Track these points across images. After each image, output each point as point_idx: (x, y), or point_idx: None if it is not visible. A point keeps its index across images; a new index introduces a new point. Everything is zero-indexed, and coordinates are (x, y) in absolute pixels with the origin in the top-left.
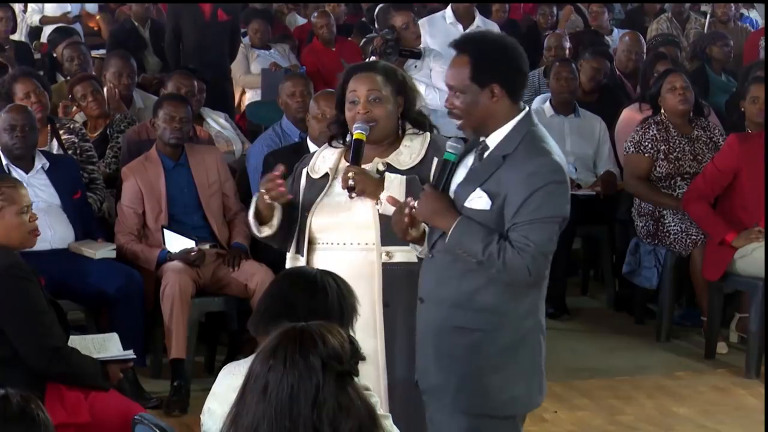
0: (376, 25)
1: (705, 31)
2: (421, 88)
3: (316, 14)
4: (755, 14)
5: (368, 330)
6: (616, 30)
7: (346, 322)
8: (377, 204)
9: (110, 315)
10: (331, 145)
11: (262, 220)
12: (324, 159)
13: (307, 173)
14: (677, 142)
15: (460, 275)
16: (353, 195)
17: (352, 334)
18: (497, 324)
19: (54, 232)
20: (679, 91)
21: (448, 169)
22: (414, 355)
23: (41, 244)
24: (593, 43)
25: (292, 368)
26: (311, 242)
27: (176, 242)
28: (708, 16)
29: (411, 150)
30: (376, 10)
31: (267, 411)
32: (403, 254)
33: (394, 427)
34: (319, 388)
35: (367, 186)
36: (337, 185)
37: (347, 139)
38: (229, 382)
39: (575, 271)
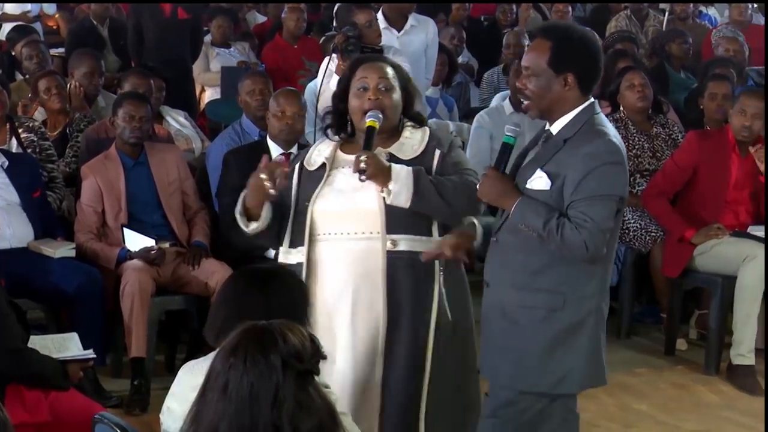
0: (335, 23)
1: (664, 28)
2: None
3: (287, 9)
4: (713, 11)
5: (371, 319)
6: None
7: (303, 320)
8: (383, 191)
9: (70, 314)
10: (326, 136)
11: (249, 216)
12: (320, 152)
13: (302, 166)
14: (636, 139)
15: (524, 256)
16: (363, 178)
17: (311, 331)
18: (559, 304)
19: (13, 230)
20: (638, 88)
21: (508, 151)
22: (418, 346)
23: (0, 243)
24: None
25: (252, 367)
26: (312, 234)
27: (136, 241)
28: (666, 14)
29: (412, 141)
30: (335, 8)
31: (227, 409)
32: (408, 242)
33: (354, 425)
34: (278, 387)
35: (378, 170)
36: (337, 175)
37: (348, 130)
38: (188, 381)
39: None
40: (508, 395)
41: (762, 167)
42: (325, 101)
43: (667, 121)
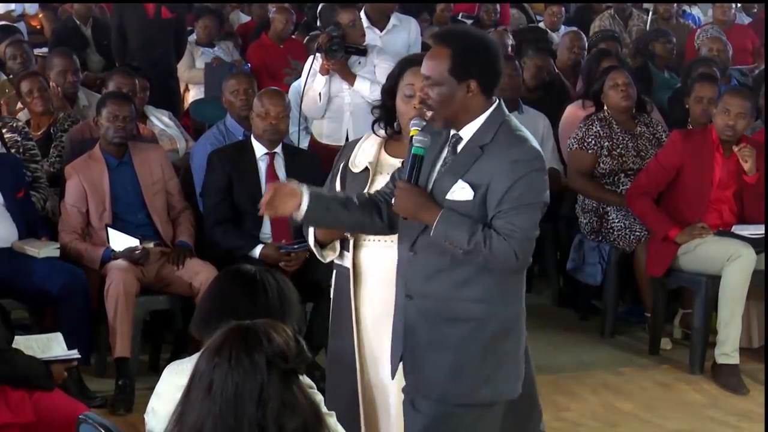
0: (319, 23)
1: (647, 28)
2: (366, 85)
3: (275, 9)
4: (697, 11)
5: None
6: (563, 27)
7: (288, 320)
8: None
9: (54, 314)
10: (373, 131)
11: (321, 244)
12: (364, 152)
13: (347, 167)
14: (620, 138)
15: (450, 268)
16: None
17: (296, 330)
18: (487, 314)
19: None
20: (621, 87)
21: (418, 163)
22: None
23: None
24: (537, 40)
25: (236, 366)
26: (356, 239)
27: (120, 241)
28: (650, 13)
29: None
30: (319, 7)
31: (211, 409)
32: None
33: (339, 425)
34: (263, 387)
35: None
36: (379, 179)
37: (395, 127)
38: (172, 381)
39: None
40: (444, 409)
41: (746, 167)
42: (309, 101)
43: (651, 121)
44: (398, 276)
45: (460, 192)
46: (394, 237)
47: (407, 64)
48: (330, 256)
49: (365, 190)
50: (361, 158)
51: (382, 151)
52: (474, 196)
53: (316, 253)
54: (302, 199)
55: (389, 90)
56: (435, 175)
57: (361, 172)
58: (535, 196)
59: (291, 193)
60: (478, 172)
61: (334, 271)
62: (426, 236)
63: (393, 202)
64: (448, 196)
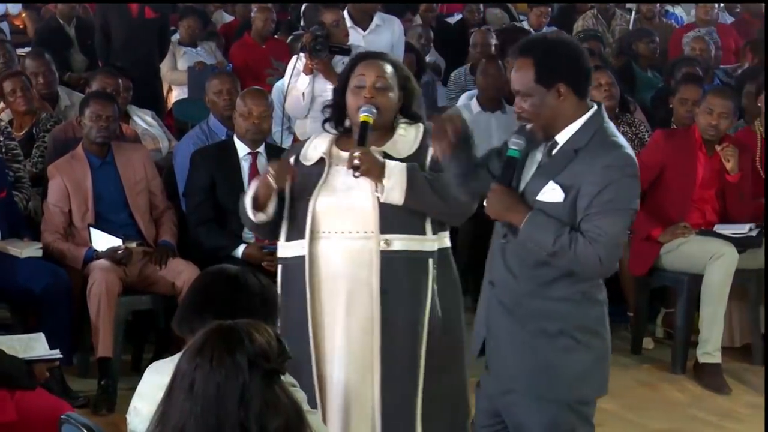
0: (302, 23)
1: (630, 27)
2: None
3: (256, 9)
4: (680, 10)
5: (367, 318)
6: (546, 27)
7: (270, 319)
8: (377, 190)
9: (37, 314)
10: (324, 129)
11: (257, 206)
12: (315, 147)
13: (297, 161)
14: None
15: (534, 267)
16: (357, 174)
17: (278, 330)
18: (568, 315)
19: None
20: (604, 87)
21: (513, 165)
22: (412, 345)
23: None
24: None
25: (218, 366)
26: (313, 230)
27: (103, 240)
28: (633, 13)
29: (406, 139)
30: (303, 7)
31: (193, 409)
32: (402, 242)
33: (322, 423)
34: (245, 387)
35: (372, 166)
36: (335, 171)
37: (347, 125)
38: (155, 381)
39: None
40: (522, 402)
41: (728, 166)
42: (293, 100)
43: (634, 120)
44: (487, 260)
45: (551, 193)
46: (345, 228)
47: (358, 59)
48: (261, 217)
49: (320, 182)
50: (312, 153)
51: (334, 146)
52: (564, 198)
53: (249, 211)
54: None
55: (341, 88)
56: (529, 177)
57: (313, 165)
58: (625, 202)
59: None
60: (570, 175)
61: (280, 266)
62: (519, 237)
63: (485, 202)
64: (539, 197)
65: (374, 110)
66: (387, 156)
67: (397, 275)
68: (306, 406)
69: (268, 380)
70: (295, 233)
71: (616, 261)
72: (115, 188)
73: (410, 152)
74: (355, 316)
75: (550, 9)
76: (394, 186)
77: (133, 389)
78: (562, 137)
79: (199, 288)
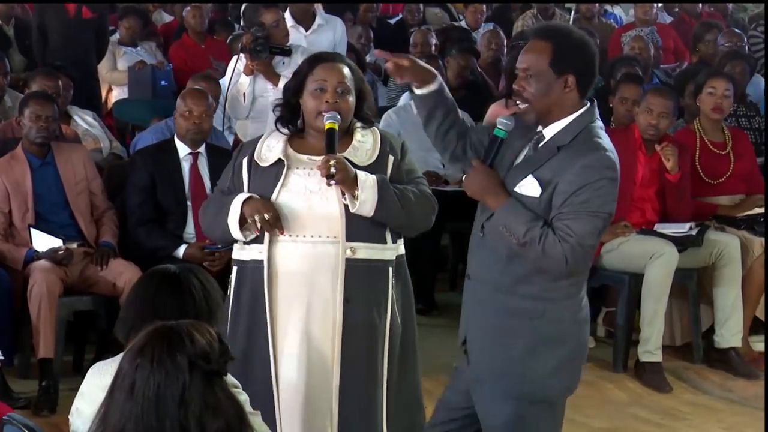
0: (242, 23)
1: None
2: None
3: (189, 7)
4: (619, 10)
5: (327, 324)
6: (484, 25)
7: (214, 320)
8: (344, 198)
9: None
10: (277, 129)
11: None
12: (270, 147)
13: (253, 162)
14: None
15: (508, 260)
16: (332, 183)
17: (220, 331)
18: (540, 312)
19: None
20: None
21: (496, 145)
22: (372, 351)
23: None
24: (460, 39)
25: (159, 367)
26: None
27: (43, 241)
28: (572, 13)
29: (365, 146)
30: (242, 7)
31: (134, 410)
32: (367, 251)
33: (264, 425)
34: (185, 388)
35: (347, 176)
36: (292, 175)
37: (298, 125)
38: (96, 382)
39: (444, 266)
40: (490, 397)
41: (668, 165)
42: (234, 101)
43: None
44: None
45: (528, 187)
46: (307, 232)
47: (317, 60)
48: (250, 236)
49: (279, 185)
50: (267, 153)
51: (289, 147)
52: (541, 193)
53: (233, 231)
54: (436, 80)
55: (295, 88)
56: (507, 164)
57: (271, 165)
58: (599, 205)
59: (426, 68)
60: (549, 170)
61: (235, 268)
62: (492, 223)
63: (464, 178)
64: (516, 189)
65: (338, 117)
66: (349, 163)
67: (360, 283)
68: (248, 408)
69: (208, 381)
70: (259, 237)
71: (584, 262)
72: (56, 189)
73: (371, 160)
74: (315, 322)
75: (485, 7)
76: (367, 199)
77: (74, 390)
78: (550, 131)
79: (141, 296)
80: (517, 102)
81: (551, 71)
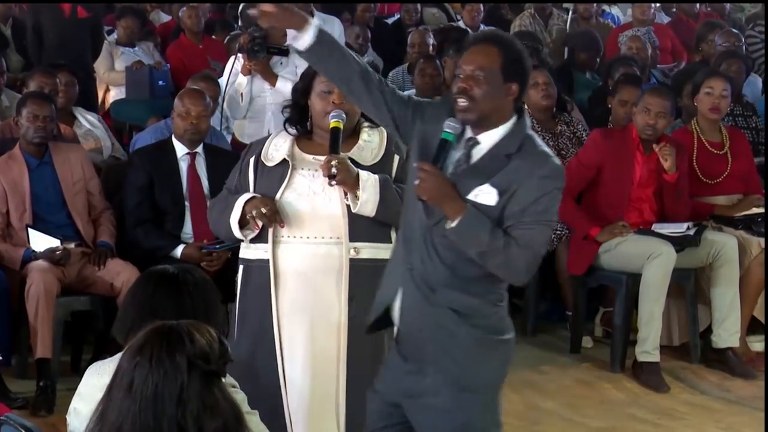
0: (240, 23)
1: (567, 27)
2: (288, 85)
3: (185, 7)
4: (616, 10)
5: (332, 324)
6: (482, 26)
7: (213, 320)
8: (347, 198)
9: None
10: (286, 130)
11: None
12: (277, 147)
13: (260, 162)
14: (541, 137)
15: (457, 257)
16: (333, 183)
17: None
18: (487, 311)
19: None
20: (541, 87)
21: (447, 148)
22: (377, 350)
23: None
24: (458, 39)
25: (157, 366)
26: (277, 234)
27: (41, 241)
28: (570, 13)
29: (371, 145)
30: (240, 7)
31: (131, 408)
32: (370, 251)
33: (261, 423)
34: (183, 387)
35: (348, 177)
36: (297, 176)
37: (307, 126)
38: (94, 382)
39: None
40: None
41: (666, 165)
42: (231, 101)
43: (572, 119)
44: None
45: (486, 196)
46: (311, 233)
47: None
48: (249, 235)
49: (283, 185)
50: (274, 153)
51: (296, 147)
52: (497, 202)
53: (234, 230)
54: (309, 26)
55: (303, 89)
56: (448, 175)
57: (276, 165)
58: (553, 214)
59: (294, 13)
60: (504, 180)
61: (242, 266)
62: (441, 227)
63: (418, 183)
64: (471, 197)
65: (344, 115)
66: (353, 162)
67: (365, 283)
68: (246, 408)
69: (207, 382)
70: (258, 236)
71: (533, 272)
72: (53, 189)
73: (376, 160)
74: (320, 322)
75: (481, 6)
76: (368, 199)
77: (72, 390)
78: (485, 138)
79: (138, 297)
80: (459, 100)
81: (501, 76)
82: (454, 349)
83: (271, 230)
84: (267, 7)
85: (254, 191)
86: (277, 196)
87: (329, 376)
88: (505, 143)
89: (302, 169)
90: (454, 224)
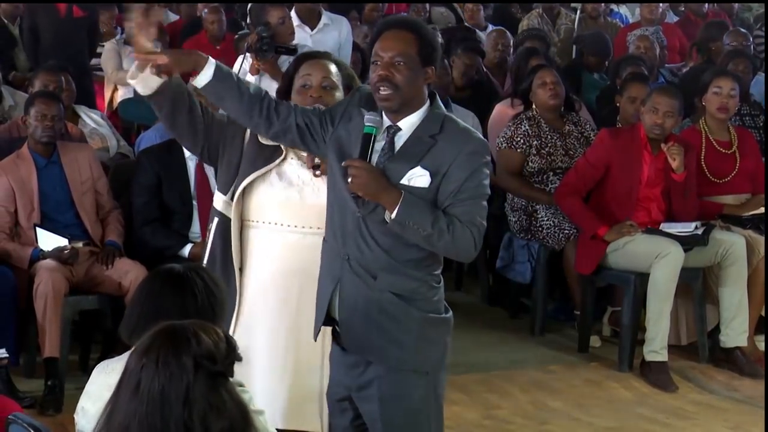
0: (248, 21)
1: (575, 27)
2: None
3: (207, 10)
4: (624, 10)
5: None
6: (491, 26)
7: (219, 319)
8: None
9: None
10: None
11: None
12: None
13: (256, 136)
14: (549, 137)
15: (395, 242)
16: (318, 173)
17: (226, 330)
18: (426, 294)
19: None
20: (549, 86)
21: (371, 142)
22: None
23: None
24: (465, 39)
25: (164, 367)
26: (245, 219)
27: (49, 240)
28: (578, 12)
29: None
30: (248, 6)
31: (138, 409)
32: None
33: (268, 424)
34: (189, 388)
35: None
36: (288, 163)
37: None
38: (102, 381)
39: (449, 265)
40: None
41: (674, 165)
42: None
43: (580, 119)
44: (342, 235)
45: (418, 179)
46: (298, 222)
47: (303, 58)
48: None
49: (271, 166)
50: None
51: None
52: (430, 183)
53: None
54: (208, 65)
55: (284, 90)
56: (374, 163)
57: (270, 145)
58: (486, 188)
59: (191, 54)
60: (433, 161)
61: (216, 219)
62: (377, 212)
63: (351, 180)
64: (404, 182)
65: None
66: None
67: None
68: (252, 407)
69: (213, 382)
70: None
71: (481, 244)
72: (61, 188)
73: None
74: (305, 313)
75: (481, 6)
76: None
77: (80, 389)
78: (405, 123)
79: (145, 297)
80: (381, 88)
81: (419, 61)
82: (399, 333)
83: (234, 214)
84: (161, 59)
85: (243, 152)
86: (260, 171)
87: (314, 369)
88: (425, 125)
89: (293, 158)
90: (393, 214)
